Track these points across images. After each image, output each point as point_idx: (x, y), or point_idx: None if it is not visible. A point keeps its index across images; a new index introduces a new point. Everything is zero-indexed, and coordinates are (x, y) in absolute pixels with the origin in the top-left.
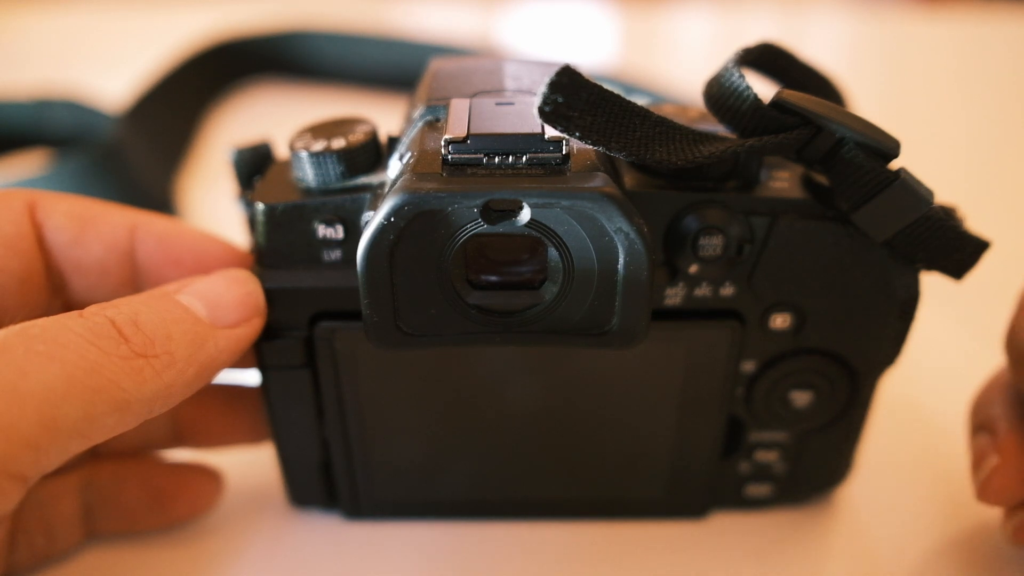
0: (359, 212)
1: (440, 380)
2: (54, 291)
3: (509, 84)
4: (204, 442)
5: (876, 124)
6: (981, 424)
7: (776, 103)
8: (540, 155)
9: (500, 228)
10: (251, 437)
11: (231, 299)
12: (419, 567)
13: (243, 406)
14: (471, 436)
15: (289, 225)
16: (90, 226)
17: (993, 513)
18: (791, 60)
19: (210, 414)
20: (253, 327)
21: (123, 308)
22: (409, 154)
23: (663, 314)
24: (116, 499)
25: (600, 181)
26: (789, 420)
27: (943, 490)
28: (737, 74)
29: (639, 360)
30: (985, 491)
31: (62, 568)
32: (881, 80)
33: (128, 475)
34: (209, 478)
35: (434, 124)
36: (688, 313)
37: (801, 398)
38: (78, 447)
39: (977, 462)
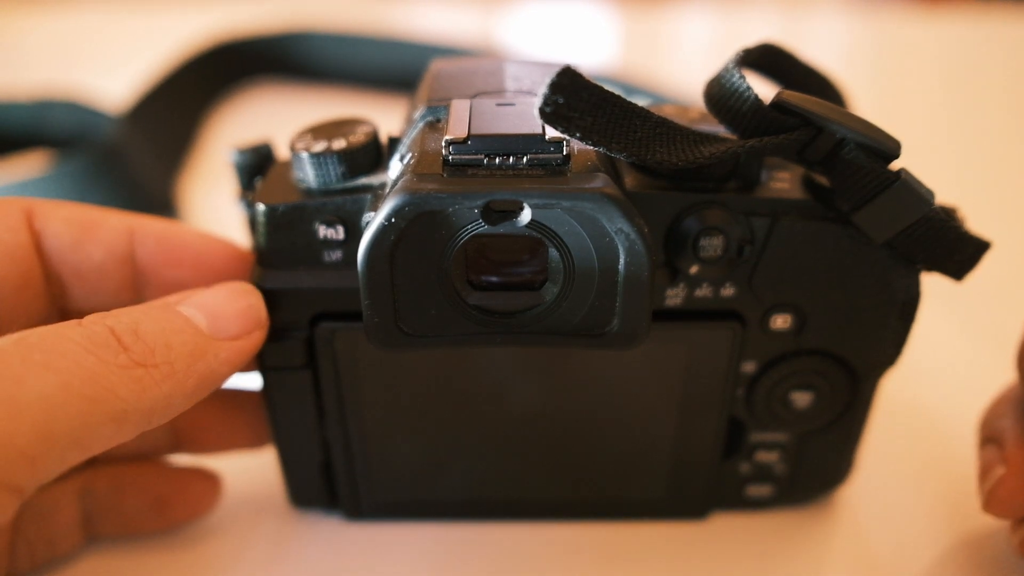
0: (360, 213)
1: (441, 381)
2: (53, 298)
3: (510, 85)
4: (204, 447)
5: (876, 125)
6: (989, 436)
7: (776, 104)
8: (541, 156)
9: (501, 229)
10: (251, 442)
11: (232, 311)
12: (420, 568)
13: (243, 411)
14: (472, 437)
15: (290, 226)
16: (89, 232)
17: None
18: (791, 61)
19: (209, 420)
20: (254, 340)
21: (123, 318)
22: (410, 155)
23: (664, 315)
24: (116, 505)
25: (601, 182)
26: (790, 421)
27: (943, 491)
28: (737, 75)
29: (640, 361)
30: (991, 502)
31: (63, 570)
32: (881, 80)
33: (127, 481)
34: (208, 481)
35: (435, 125)
36: (689, 314)
37: (802, 399)
38: (75, 458)
39: (984, 473)
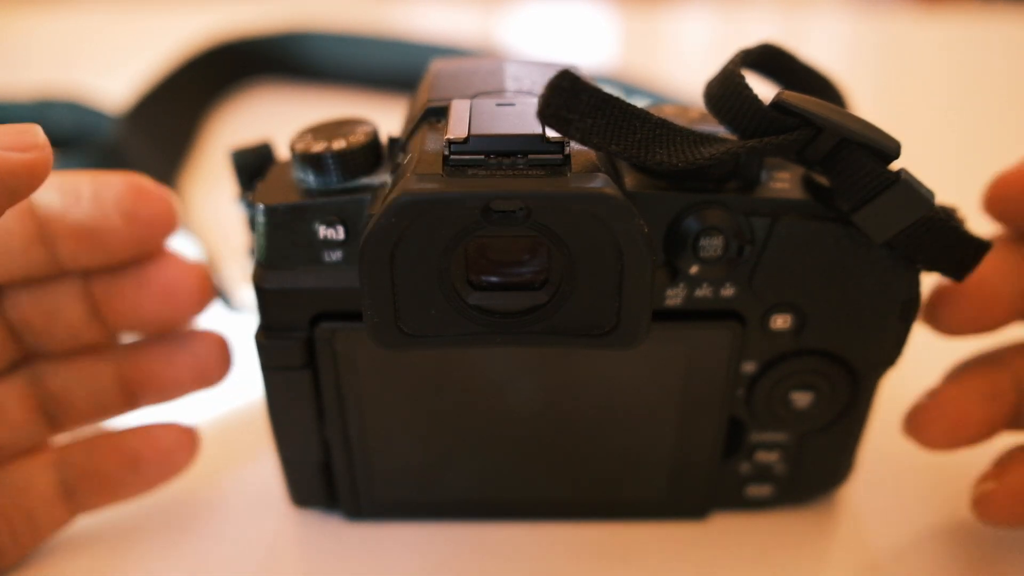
0: (360, 213)
1: (441, 381)
2: None
3: (510, 85)
4: (157, 394)
5: (876, 125)
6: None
7: (776, 104)
8: (541, 156)
9: (501, 229)
10: (200, 381)
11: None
12: (420, 568)
13: (183, 350)
14: (472, 437)
15: (290, 226)
16: None
17: None
18: (791, 61)
19: (152, 364)
20: (12, 158)
21: None
22: (410, 155)
23: (664, 315)
24: (91, 468)
25: (601, 182)
26: (790, 421)
27: (943, 490)
28: (737, 75)
29: (640, 361)
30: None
31: (59, 567)
32: (881, 80)
33: (100, 443)
34: (181, 434)
35: (435, 125)
36: (689, 314)
37: (802, 399)
38: None
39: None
